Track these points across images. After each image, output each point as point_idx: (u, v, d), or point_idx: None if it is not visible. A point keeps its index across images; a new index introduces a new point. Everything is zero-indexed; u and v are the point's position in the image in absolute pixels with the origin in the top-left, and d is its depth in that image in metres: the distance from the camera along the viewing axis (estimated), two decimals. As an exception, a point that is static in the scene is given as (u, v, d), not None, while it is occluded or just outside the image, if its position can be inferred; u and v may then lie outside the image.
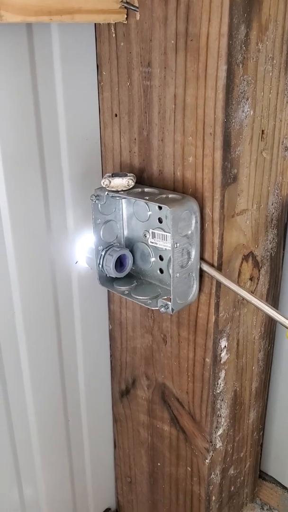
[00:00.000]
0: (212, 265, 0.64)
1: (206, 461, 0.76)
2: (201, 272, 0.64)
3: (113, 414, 0.90)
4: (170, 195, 0.61)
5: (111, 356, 0.85)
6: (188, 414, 0.75)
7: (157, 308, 0.63)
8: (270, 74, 0.61)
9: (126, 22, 0.61)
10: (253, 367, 0.80)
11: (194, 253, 0.62)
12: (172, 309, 0.62)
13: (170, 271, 0.61)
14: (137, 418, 0.85)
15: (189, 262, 0.62)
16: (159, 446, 0.83)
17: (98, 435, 0.89)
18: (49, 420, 0.78)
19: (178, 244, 0.60)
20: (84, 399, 0.83)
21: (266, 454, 0.99)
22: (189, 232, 0.61)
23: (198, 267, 0.64)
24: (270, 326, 0.81)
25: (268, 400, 0.92)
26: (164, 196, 0.61)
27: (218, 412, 0.74)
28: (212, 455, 0.76)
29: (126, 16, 0.61)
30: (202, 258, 0.64)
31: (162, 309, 0.62)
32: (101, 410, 0.88)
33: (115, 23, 0.62)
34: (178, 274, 0.61)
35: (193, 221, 0.61)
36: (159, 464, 0.85)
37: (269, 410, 0.94)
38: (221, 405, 0.74)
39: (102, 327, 0.82)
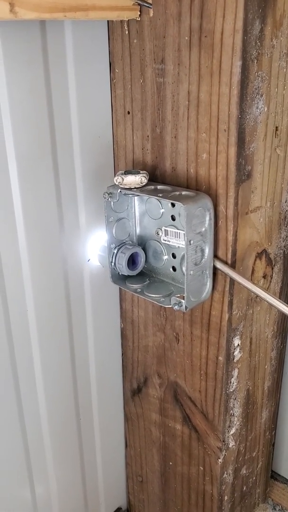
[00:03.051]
0: (225, 263, 0.63)
1: (219, 460, 0.76)
2: (215, 270, 0.64)
3: (125, 413, 0.90)
4: (183, 192, 0.61)
5: (122, 354, 0.85)
6: (201, 413, 0.75)
7: (170, 306, 0.63)
8: (285, 70, 0.60)
9: (139, 19, 0.61)
10: (266, 366, 0.80)
11: (207, 250, 0.62)
12: (185, 306, 0.61)
13: (183, 268, 0.61)
14: (149, 417, 0.84)
15: (203, 259, 0.62)
16: (171, 445, 0.83)
17: (110, 434, 0.89)
18: (61, 418, 0.78)
19: (192, 241, 0.59)
20: (96, 398, 0.83)
21: (278, 454, 0.99)
22: (203, 229, 0.61)
23: (212, 264, 0.63)
24: (283, 324, 0.81)
25: (281, 400, 0.92)
26: (177, 193, 0.61)
27: (231, 411, 0.74)
28: (225, 455, 0.76)
29: (139, 13, 0.61)
30: (215, 256, 0.64)
31: (176, 306, 0.62)
32: (113, 409, 0.88)
33: (128, 20, 0.62)
34: (191, 272, 0.61)
35: (207, 218, 0.60)
36: (171, 463, 0.84)
37: (281, 410, 0.93)
38: (234, 404, 0.74)
39: (114, 326, 0.82)
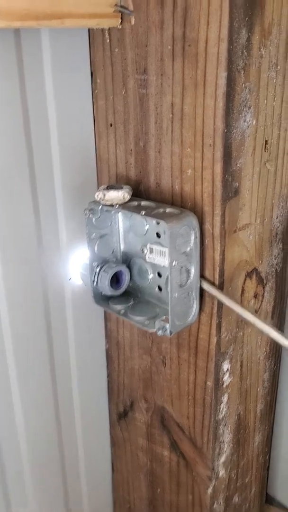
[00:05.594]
0: (213, 284, 0.60)
1: (208, 489, 0.72)
2: (202, 291, 0.61)
3: (111, 437, 0.86)
4: (167, 210, 0.58)
5: (108, 376, 0.81)
6: (189, 440, 0.71)
7: (154, 330, 0.59)
8: (274, 81, 0.57)
9: (120, 27, 0.58)
10: (258, 389, 0.76)
11: (193, 271, 0.58)
12: (170, 332, 0.58)
13: (168, 289, 0.57)
14: (136, 442, 0.80)
15: (188, 280, 0.59)
16: (158, 471, 0.79)
17: (95, 458, 0.85)
18: (42, 443, 0.74)
19: (176, 262, 0.56)
20: (80, 421, 0.79)
21: (273, 478, 0.95)
22: (188, 248, 0.57)
23: (198, 285, 0.60)
24: (276, 345, 0.77)
25: (274, 422, 0.88)
26: (161, 210, 0.58)
27: (221, 438, 0.70)
28: (215, 484, 0.72)
29: (120, 21, 0.57)
30: (202, 276, 0.60)
31: (160, 332, 0.58)
32: (98, 432, 0.84)
33: (109, 28, 0.59)
34: (176, 294, 0.57)
35: (192, 237, 0.57)
36: (159, 490, 0.80)
37: (275, 432, 0.90)
38: (223, 431, 0.70)
39: (98, 346, 0.78)
